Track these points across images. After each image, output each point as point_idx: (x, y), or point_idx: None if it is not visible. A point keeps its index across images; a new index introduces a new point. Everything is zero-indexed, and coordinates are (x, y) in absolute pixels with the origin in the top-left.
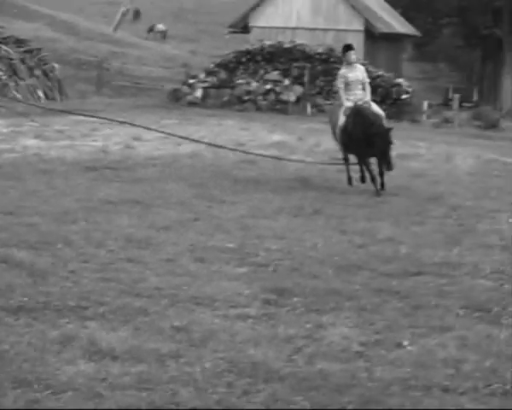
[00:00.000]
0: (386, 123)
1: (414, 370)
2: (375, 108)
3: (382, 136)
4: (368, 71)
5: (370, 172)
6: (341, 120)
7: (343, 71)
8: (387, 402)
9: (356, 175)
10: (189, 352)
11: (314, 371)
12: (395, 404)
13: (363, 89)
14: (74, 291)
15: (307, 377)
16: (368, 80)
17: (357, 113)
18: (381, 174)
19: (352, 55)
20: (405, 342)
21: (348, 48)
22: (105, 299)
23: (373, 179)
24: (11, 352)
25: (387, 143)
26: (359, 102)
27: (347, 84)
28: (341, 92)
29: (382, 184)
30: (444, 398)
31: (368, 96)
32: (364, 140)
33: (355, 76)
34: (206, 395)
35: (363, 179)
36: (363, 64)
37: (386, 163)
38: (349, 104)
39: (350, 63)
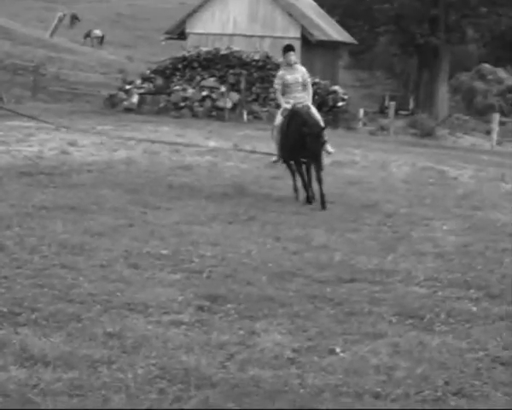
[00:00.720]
0: (321, 124)
1: (346, 376)
2: (314, 111)
3: (316, 135)
4: None
5: (302, 176)
6: (278, 119)
7: (281, 72)
8: (319, 409)
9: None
10: (122, 358)
11: (246, 377)
12: None
13: (304, 91)
14: (7, 297)
15: (239, 383)
16: (309, 80)
17: (294, 113)
18: (319, 181)
19: (292, 57)
20: (338, 349)
21: (288, 48)
22: (38, 305)
23: (305, 185)
24: None
25: (321, 142)
26: (298, 105)
27: (286, 86)
28: (278, 94)
29: (322, 195)
30: (375, 405)
31: (309, 99)
32: (299, 140)
33: (294, 78)
34: (138, 401)
35: (305, 187)
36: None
37: (318, 165)
38: (287, 106)
39: (290, 64)
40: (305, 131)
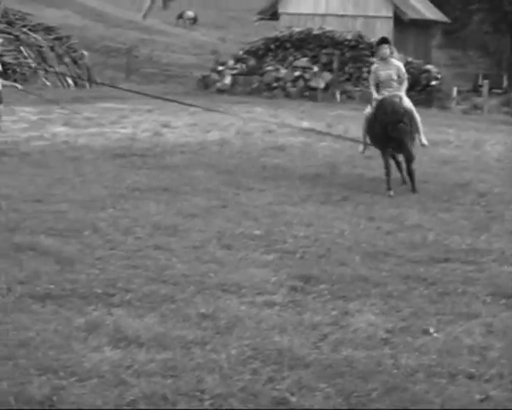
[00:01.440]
0: (402, 111)
1: (439, 357)
2: (406, 101)
3: (396, 122)
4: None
5: (395, 158)
6: (367, 110)
7: (375, 67)
8: (412, 389)
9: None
10: (215, 339)
11: (339, 358)
12: (420, 391)
13: (399, 86)
14: (101, 278)
15: (332, 364)
16: (406, 77)
17: (380, 102)
18: (409, 173)
19: (385, 50)
20: (431, 329)
21: (381, 41)
22: (131, 286)
23: (398, 167)
24: (37, 339)
25: (403, 131)
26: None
27: (379, 83)
28: (372, 90)
29: (413, 189)
30: (469, 385)
31: (401, 91)
32: (383, 130)
33: (387, 74)
34: (231, 381)
35: (387, 174)
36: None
37: (406, 155)
38: (378, 96)
39: (383, 59)
40: (384, 119)
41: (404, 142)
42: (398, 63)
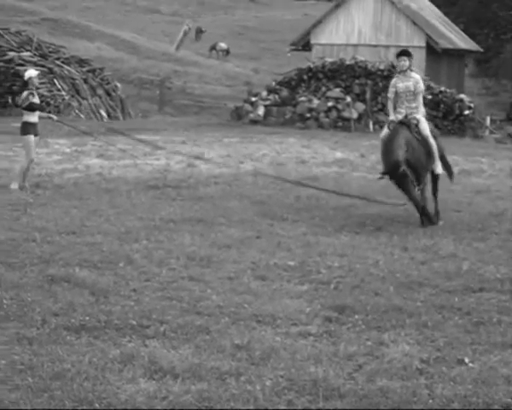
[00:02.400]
0: (402, 158)
1: (475, 387)
2: (423, 126)
3: (391, 172)
4: (430, 87)
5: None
6: (384, 132)
7: (394, 80)
8: None
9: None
10: (250, 370)
11: (374, 388)
12: None
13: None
14: (135, 310)
15: (368, 394)
16: (421, 90)
17: (383, 141)
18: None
19: (403, 62)
20: (467, 359)
21: (401, 53)
22: (166, 317)
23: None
24: (72, 370)
25: (400, 177)
26: (408, 117)
27: (398, 95)
28: (389, 103)
29: (428, 218)
30: None
31: (419, 110)
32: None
33: (405, 86)
34: None
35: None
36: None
37: (419, 184)
38: (392, 118)
39: (403, 71)
40: (383, 163)
41: (404, 189)
42: (416, 76)
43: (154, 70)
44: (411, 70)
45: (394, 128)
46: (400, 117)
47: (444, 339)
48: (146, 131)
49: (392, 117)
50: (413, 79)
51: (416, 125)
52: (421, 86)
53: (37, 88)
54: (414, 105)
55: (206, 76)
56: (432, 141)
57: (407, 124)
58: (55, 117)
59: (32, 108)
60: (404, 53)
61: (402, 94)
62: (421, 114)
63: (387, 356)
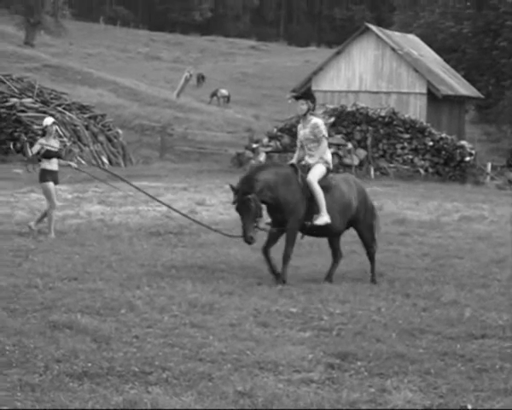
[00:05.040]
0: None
1: None
2: (312, 172)
3: (243, 194)
4: (431, 133)
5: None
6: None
7: (298, 126)
8: None
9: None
10: None
11: None
12: None
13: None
14: (138, 357)
15: None
16: (321, 135)
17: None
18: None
19: (301, 106)
20: (469, 406)
21: (298, 97)
22: (168, 364)
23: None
24: None
25: (242, 205)
26: (301, 162)
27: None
28: (295, 153)
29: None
30: None
31: (315, 157)
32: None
33: (303, 133)
34: None
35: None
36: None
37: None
38: (292, 161)
39: (302, 116)
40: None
41: (242, 221)
42: (314, 121)
43: (155, 116)
44: (311, 114)
45: (265, 165)
46: (293, 160)
47: (446, 386)
48: (147, 178)
49: (291, 161)
50: (310, 125)
51: (307, 170)
52: (321, 131)
53: (59, 136)
54: (313, 152)
55: (207, 122)
56: (315, 188)
57: (295, 167)
58: (74, 164)
59: (48, 155)
60: (302, 96)
61: (303, 141)
62: (318, 160)
63: (390, 403)
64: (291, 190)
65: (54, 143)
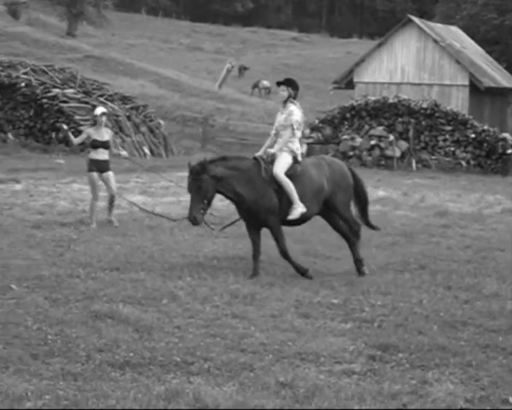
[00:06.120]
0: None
1: None
2: (277, 163)
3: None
4: (473, 125)
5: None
6: None
7: (278, 113)
8: None
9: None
10: (294, 408)
11: None
12: None
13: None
14: (180, 347)
15: None
16: (292, 122)
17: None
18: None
19: (281, 92)
20: (511, 399)
21: (280, 82)
22: (210, 354)
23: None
24: (117, 407)
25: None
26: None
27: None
28: (269, 138)
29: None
30: None
31: (278, 144)
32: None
33: (279, 120)
34: None
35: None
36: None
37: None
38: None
39: (283, 102)
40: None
41: (190, 200)
42: (291, 108)
43: (196, 107)
44: (291, 102)
45: (227, 156)
46: (260, 152)
47: (488, 378)
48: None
49: (258, 153)
50: (287, 112)
51: (270, 162)
52: (294, 118)
53: (109, 126)
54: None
55: (248, 114)
56: (282, 180)
57: (258, 161)
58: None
59: (94, 145)
60: (284, 82)
61: (278, 128)
62: (283, 148)
63: (431, 395)
64: (256, 188)
65: (104, 134)
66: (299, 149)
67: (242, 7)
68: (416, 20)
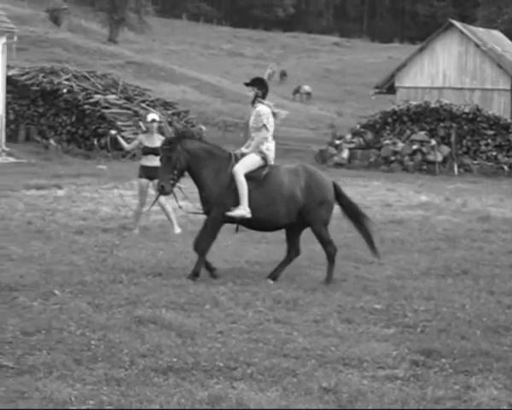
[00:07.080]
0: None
1: None
2: (244, 162)
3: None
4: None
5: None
6: None
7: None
8: None
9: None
10: None
11: None
12: None
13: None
14: (222, 352)
15: None
16: (262, 124)
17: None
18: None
19: (248, 93)
20: None
21: (246, 83)
22: (253, 360)
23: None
24: None
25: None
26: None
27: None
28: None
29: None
30: None
31: (250, 146)
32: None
33: (250, 122)
34: None
35: None
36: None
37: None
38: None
39: (251, 103)
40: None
41: (159, 173)
42: (258, 108)
43: (238, 113)
44: (259, 101)
45: (207, 142)
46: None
47: None
48: None
49: (237, 151)
50: (254, 113)
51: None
52: (263, 120)
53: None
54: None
55: (290, 119)
56: (237, 179)
57: (231, 155)
58: None
59: (145, 151)
60: (250, 82)
61: (251, 131)
62: (253, 150)
63: (475, 400)
64: (219, 179)
65: (155, 140)
66: (271, 149)
67: (283, 12)
68: (457, 24)
